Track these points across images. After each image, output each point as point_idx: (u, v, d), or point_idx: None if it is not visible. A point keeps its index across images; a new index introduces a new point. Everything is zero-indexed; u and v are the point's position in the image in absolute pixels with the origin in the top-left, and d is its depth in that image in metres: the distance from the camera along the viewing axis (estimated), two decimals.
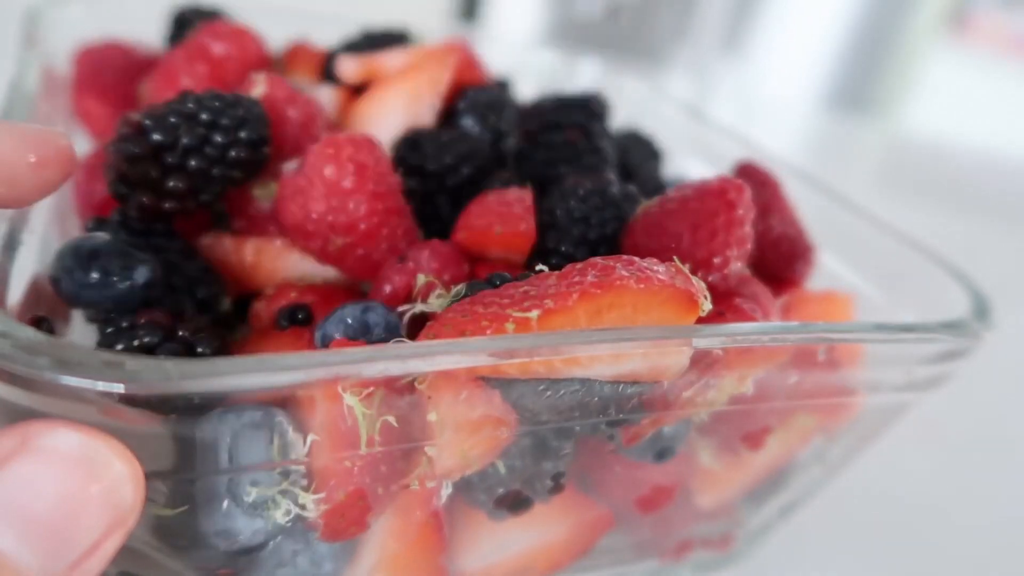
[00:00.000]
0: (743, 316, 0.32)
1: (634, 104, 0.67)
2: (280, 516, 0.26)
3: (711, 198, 0.34)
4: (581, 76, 0.71)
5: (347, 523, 0.28)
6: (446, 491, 0.30)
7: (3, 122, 0.27)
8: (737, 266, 0.34)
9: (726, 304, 0.33)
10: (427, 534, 0.32)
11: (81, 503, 0.21)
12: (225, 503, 0.26)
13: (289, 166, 0.35)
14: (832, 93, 2.13)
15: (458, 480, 0.30)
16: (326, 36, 0.52)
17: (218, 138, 0.34)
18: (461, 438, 0.27)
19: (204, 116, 0.34)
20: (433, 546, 0.32)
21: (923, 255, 0.43)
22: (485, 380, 0.27)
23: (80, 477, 0.21)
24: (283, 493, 0.26)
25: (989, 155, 1.69)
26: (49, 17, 0.46)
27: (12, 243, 0.29)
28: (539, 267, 0.29)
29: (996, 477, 0.62)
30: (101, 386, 0.21)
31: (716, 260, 0.33)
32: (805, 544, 0.49)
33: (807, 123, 1.74)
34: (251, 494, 0.26)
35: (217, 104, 0.34)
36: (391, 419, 0.25)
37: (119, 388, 0.21)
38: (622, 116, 0.59)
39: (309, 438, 0.25)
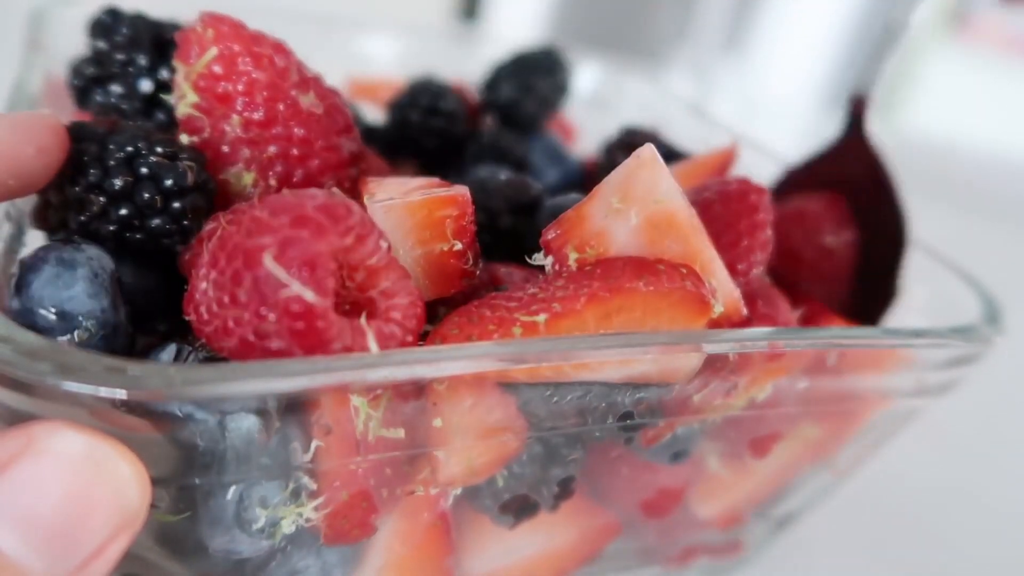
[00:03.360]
0: (759, 320, 0.32)
1: (636, 104, 0.67)
2: (286, 526, 0.26)
3: (733, 202, 0.34)
4: (582, 76, 0.70)
5: (351, 526, 0.27)
6: (453, 494, 0.30)
7: (1, 116, 0.27)
8: (759, 271, 0.34)
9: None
10: (433, 538, 0.31)
11: (87, 505, 0.21)
12: (229, 515, 0.25)
13: None
14: (832, 93, 2.13)
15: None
16: (326, 37, 0.52)
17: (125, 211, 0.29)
18: (467, 446, 0.27)
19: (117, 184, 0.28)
20: (439, 550, 0.32)
21: (930, 257, 0.42)
22: (492, 385, 0.26)
23: (86, 479, 0.21)
24: (289, 506, 0.26)
25: (989, 155, 1.69)
26: (53, 20, 0.45)
27: (15, 245, 0.29)
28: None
29: (1004, 478, 0.61)
30: (103, 392, 0.21)
31: (740, 266, 0.33)
32: (810, 550, 0.49)
33: (807, 122, 1.74)
34: (256, 510, 0.25)
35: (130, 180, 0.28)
36: (399, 426, 0.25)
37: (121, 394, 0.21)
38: (624, 116, 0.59)
39: (313, 444, 0.24)
